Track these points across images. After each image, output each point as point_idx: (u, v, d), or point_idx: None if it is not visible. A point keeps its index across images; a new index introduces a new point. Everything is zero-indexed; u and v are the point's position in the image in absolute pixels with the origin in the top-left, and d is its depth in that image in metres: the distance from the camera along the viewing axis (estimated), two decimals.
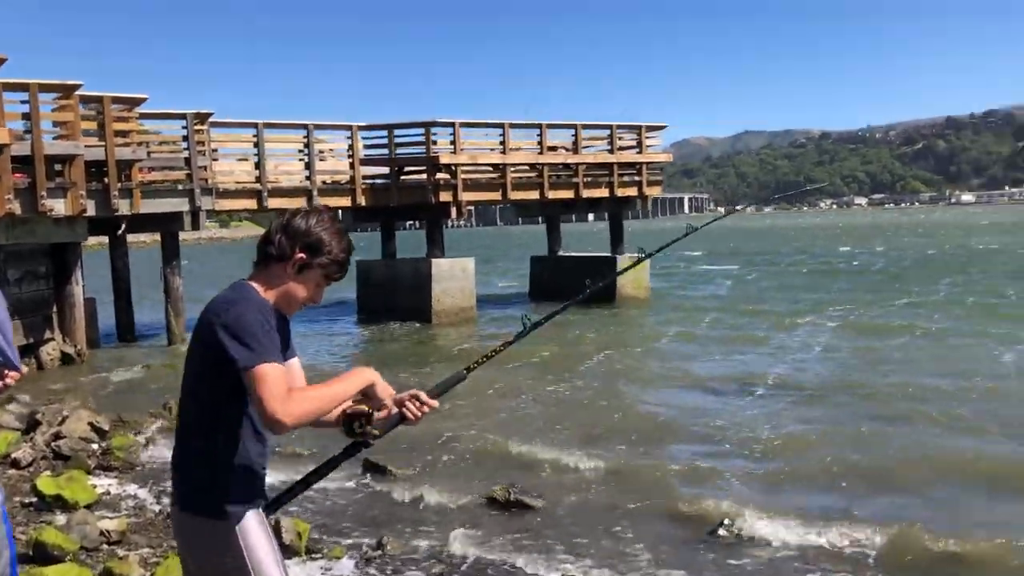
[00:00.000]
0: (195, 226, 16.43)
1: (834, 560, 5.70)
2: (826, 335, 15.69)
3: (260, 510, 2.68)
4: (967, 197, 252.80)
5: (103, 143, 14.26)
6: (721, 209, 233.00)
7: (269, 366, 2.45)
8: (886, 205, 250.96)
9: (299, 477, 2.84)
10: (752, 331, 16.74)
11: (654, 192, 22.98)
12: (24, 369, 2.37)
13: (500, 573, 5.56)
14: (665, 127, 23.00)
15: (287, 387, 2.46)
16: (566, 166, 21.35)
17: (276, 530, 5.76)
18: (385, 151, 19.58)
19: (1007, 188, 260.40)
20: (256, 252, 2.73)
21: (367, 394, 2.68)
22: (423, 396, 2.81)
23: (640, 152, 22.11)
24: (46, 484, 6.63)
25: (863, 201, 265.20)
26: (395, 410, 2.80)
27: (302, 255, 2.66)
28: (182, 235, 17.23)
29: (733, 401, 10.67)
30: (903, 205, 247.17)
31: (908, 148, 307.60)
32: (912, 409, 9.79)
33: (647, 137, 22.21)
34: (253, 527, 2.62)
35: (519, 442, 8.96)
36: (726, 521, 6.33)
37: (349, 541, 6.14)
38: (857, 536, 6.00)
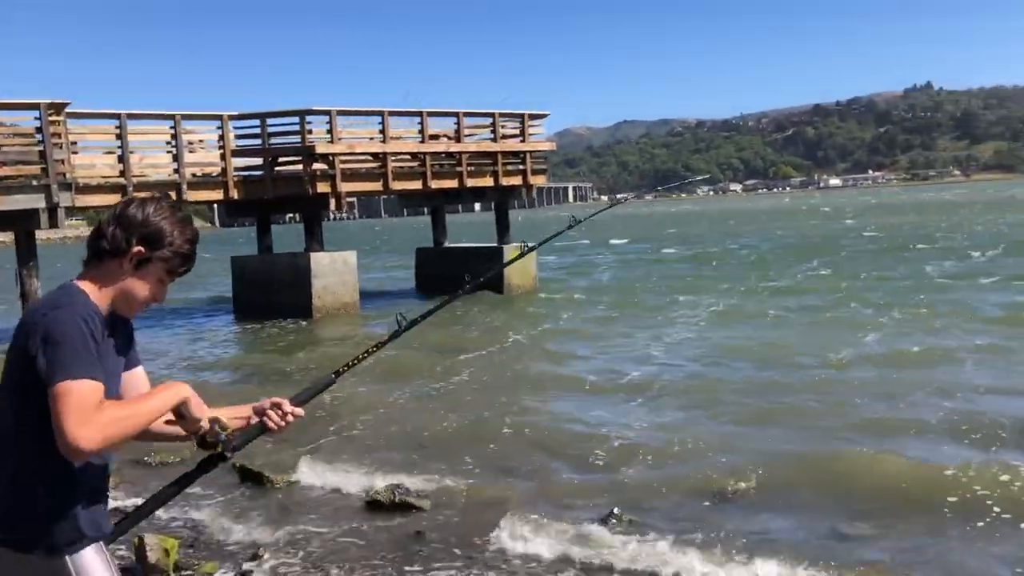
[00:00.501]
0: (53, 224, 15.37)
1: None
2: (697, 328, 15.70)
3: (100, 543, 2.33)
4: (835, 181, 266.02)
5: None
6: (604, 198, 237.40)
7: (76, 383, 2.10)
8: (760, 190, 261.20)
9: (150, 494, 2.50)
10: (627, 323, 16.78)
11: (539, 181, 22.94)
12: None
13: None
14: (548, 115, 22.99)
15: (93, 407, 2.11)
16: (449, 155, 21.05)
17: (139, 548, 5.31)
18: (258, 141, 18.81)
19: (870, 172, 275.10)
20: (86, 248, 2.37)
21: (179, 413, 2.35)
22: (286, 405, 2.56)
23: (524, 141, 22.00)
24: None
25: (738, 187, 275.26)
26: (255, 419, 2.55)
27: (140, 248, 2.33)
28: (43, 234, 16.14)
29: (595, 403, 10.51)
30: (776, 190, 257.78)
31: (779, 135, 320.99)
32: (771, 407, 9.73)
33: (530, 125, 22.13)
34: (91, 563, 2.28)
35: (399, 433, 8.69)
36: (615, 510, 6.22)
37: (223, 555, 5.72)
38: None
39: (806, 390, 9.85)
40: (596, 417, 9.16)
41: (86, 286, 2.32)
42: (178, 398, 2.32)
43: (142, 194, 2.50)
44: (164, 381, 2.50)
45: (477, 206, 41.52)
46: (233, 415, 2.54)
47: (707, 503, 6.48)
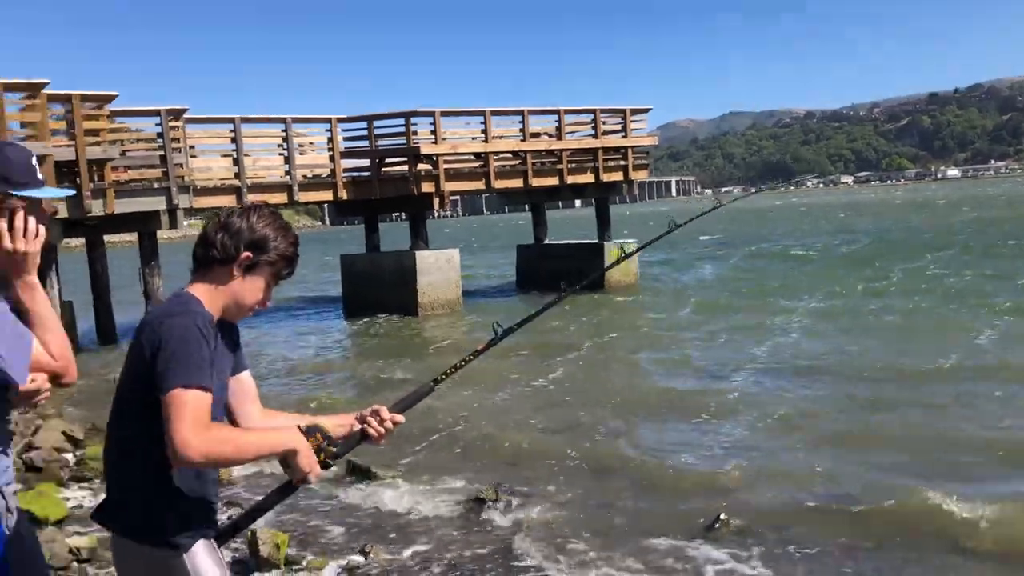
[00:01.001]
0: (173, 225, 16.08)
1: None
2: (809, 318, 15.42)
3: (211, 540, 2.45)
4: (953, 172, 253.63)
5: (73, 143, 13.90)
6: (709, 191, 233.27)
7: (188, 392, 2.21)
8: (872, 182, 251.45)
9: (257, 499, 2.60)
10: (736, 316, 16.51)
11: (640, 176, 22.72)
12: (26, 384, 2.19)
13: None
14: (650, 110, 22.72)
15: (203, 417, 2.22)
16: (550, 152, 21.07)
17: (252, 542, 5.52)
18: (365, 143, 19.27)
19: (992, 162, 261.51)
20: (193, 257, 2.48)
21: (286, 462, 2.42)
22: (384, 412, 2.62)
23: (625, 136, 21.82)
24: None
25: (849, 179, 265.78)
26: (357, 427, 2.62)
27: (248, 253, 2.43)
28: (163, 234, 16.90)
29: (718, 385, 10.47)
30: (889, 182, 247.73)
31: (892, 125, 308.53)
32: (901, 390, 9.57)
33: (632, 120, 21.92)
34: (204, 559, 2.39)
35: (505, 436, 8.75)
36: (722, 516, 6.12)
37: (332, 549, 5.90)
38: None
39: (921, 404, 9.36)
40: (695, 428, 9.03)
41: (199, 293, 2.42)
42: (288, 448, 2.38)
43: (241, 205, 2.60)
44: (293, 417, 2.59)
45: (578, 202, 41.46)
46: (336, 423, 2.62)
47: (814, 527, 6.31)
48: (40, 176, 2.41)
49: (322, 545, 6.02)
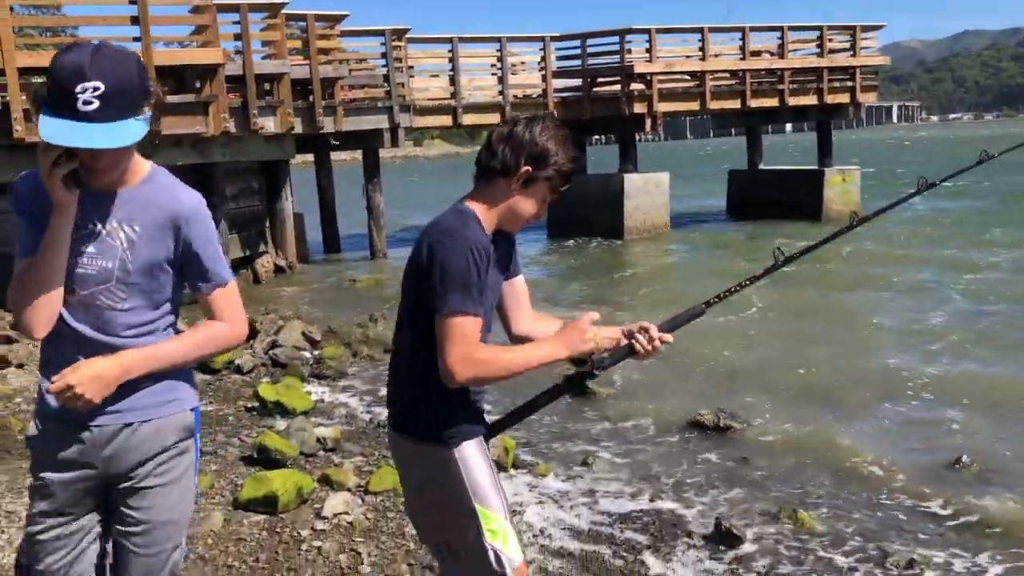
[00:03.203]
0: (394, 143, 16.73)
1: None
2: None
3: (480, 438, 2.54)
4: None
5: (307, 62, 14.63)
6: (935, 118, 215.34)
7: (460, 319, 2.28)
8: None
9: (521, 402, 2.65)
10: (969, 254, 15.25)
11: (868, 99, 21.23)
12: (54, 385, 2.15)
13: (709, 502, 5.28)
14: (883, 27, 21.05)
15: (472, 343, 2.30)
16: (770, 72, 20.04)
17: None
18: (578, 63, 19.08)
19: None
20: (476, 166, 2.51)
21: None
22: (654, 330, 2.56)
23: (854, 55, 20.38)
24: (266, 391, 6.94)
25: None
26: (624, 341, 2.58)
27: (528, 168, 2.43)
28: (383, 154, 17.65)
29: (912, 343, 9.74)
30: None
31: None
32: None
33: (862, 38, 20.41)
34: (472, 453, 2.49)
35: (723, 361, 8.61)
36: (964, 458, 5.74)
37: (555, 459, 6.04)
38: None
39: None
40: (915, 358, 8.51)
41: (477, 206, 2.46)
42: (551, 358, 2.42)
43: (526, 113, 2.58)
44: (573, 318, 2.61)
45: (788, 127, 39.45)
46: (605, 334, 2.59)
47: None
48: (81, 98, 2.01)
49: (545, 453, 6.18)
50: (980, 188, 27.95)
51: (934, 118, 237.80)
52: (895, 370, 8.19)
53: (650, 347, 2.55)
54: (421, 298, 2.36)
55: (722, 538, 4.69)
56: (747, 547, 4.62)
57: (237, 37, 13.35)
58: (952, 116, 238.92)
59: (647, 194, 19.07)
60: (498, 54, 18.26)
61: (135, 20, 11.45)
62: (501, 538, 2.48)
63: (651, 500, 5.32)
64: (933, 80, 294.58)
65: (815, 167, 21.17)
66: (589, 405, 7.31)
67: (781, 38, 19.82)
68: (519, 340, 2.63)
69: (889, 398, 7.36)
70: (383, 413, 6.99)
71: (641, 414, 7.02)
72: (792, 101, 20.22)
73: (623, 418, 6.95)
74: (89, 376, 2.13)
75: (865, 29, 20.60)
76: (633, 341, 2.56)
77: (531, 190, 2.46)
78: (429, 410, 2.46)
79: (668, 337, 2.59)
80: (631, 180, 18.90)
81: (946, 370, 8.19)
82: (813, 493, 5.40)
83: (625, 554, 4.53)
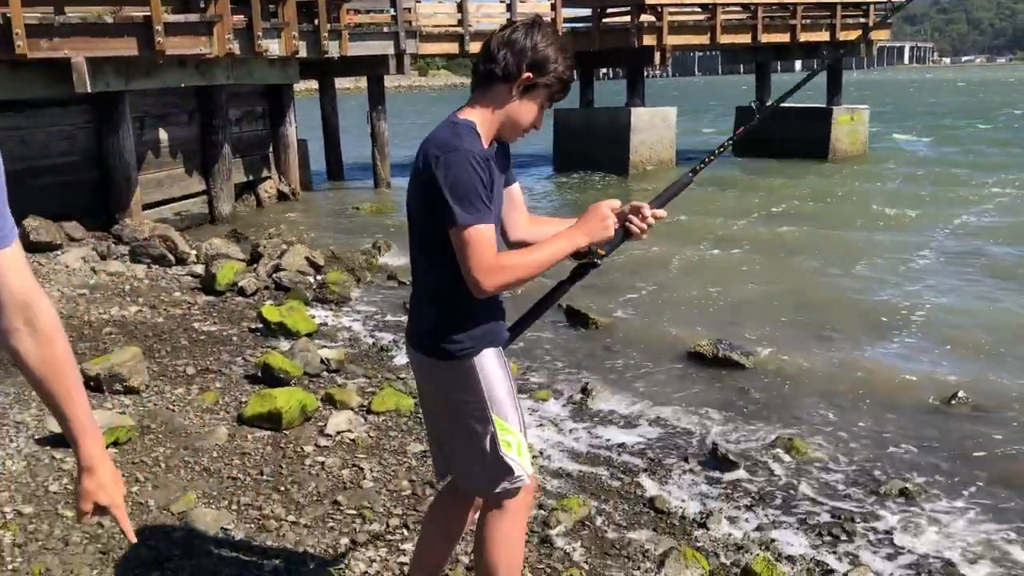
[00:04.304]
0: (400, 70, 16.51)
1: None
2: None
3: (499, 348, 2.56)
4: None
5: None
6: (947, 60, 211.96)
7: (476, 229, 2.29)
8: None
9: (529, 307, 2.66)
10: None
11: (882, 36, 20.97)
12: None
13: (706, 429, 5.36)
14: None
15: (490, 252, 2.31)
16: (783, 6, 19.68)
17: None
18: None
19: None
20: (474, 74, 2.48)
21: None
22: (646, 209, 2.57)
23: None
24: (270, 312, 6.98)
25: None
26: (617, 225, 2.57)
27: (528, 74, 2.39)
28: (388, 81, 17.41)
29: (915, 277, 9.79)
30: None
31: None
32: None
33: None
34: (491, 364, 2.52)
35: (718, 293, 8.66)
36: (960, 393, 5.80)
37: (555, 385, 6.11)
38: None
39: None
40: (917, 292, 8.61)
41: (475, 115, 2.42)
42: (574, 248, 2.46)
43: (525, 19, 2.54)
44: (558, 222, 2.61)
45: (797, 65, 38.79)
46: None
47: None
48: None
49: (545, 378, 6.25)
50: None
51: (946, 60, 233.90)
52: (893, 304, 8.24)
53: (644, 226, 2.56)
54: (431, 218, 2.36)
55: (718, 463, 4.78)
56: (742, 472, 4.71)
57: None
58: (965, 59, 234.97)
59: (654, 128, 18.91)
60: None
61: None
62: (516, 449, 2.53)
63: (649, 426, 5.40)
64: (947, 21, 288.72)
65: (824, 105, 20.93)
66: (589, 335, 7.37)
67: None
68: (517, 245, 2.62)
69: (887, 332, 7.43)
70: (386, 338, 7.08)
71: (640, 344, 7.08)
72: (804, 37, 19.91)
73: (622, 348, 7.01)
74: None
75: None
76: (628, 224, 2.57)
77: (530, 97, 2.43)
78: (452, 328, 2.47)
79: (661, 212, 2.60)
80: (638, 114, 18.73)
81: (942, 303, 8.25)
82: (810, 423, 5.49)
83: (622, 476, 4.62)
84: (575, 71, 2.51)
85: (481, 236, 2.29)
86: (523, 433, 2.57)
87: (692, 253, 10.69)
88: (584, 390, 5.94)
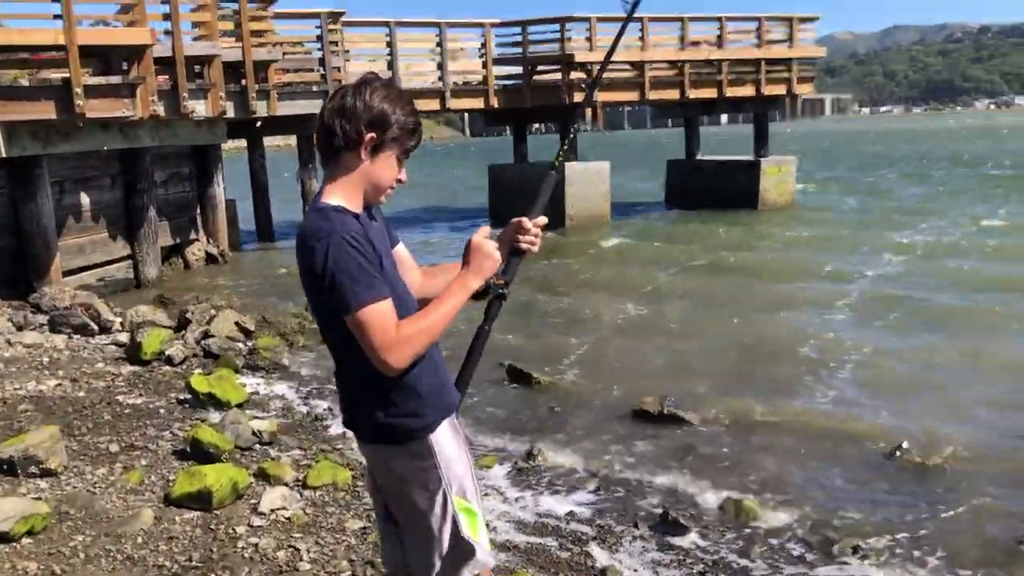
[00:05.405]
0: None
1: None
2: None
3: (453, 416, 2.42)
4: None
5: (240, 44, 14.21)
6: (866, 111, 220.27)
7: (369, 310, 2.16)
8: None
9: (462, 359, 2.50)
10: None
11: (805, 90, 21.53)
12: None
13: (654, 491, 5.23)
14: (818, 18, 21.35)
15: (391, 328, 2.18)
16: (709, 63, 20.16)
17: None
18: (519, 50, 18.94)
19: None
20: (318, 150, 2.36)
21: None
22: (526, 222, 2.50)
23: (791, 46, 20.62)
24: (199, 382, 6.68)
25: None
26: (504, 248, 2.47)
27: (371, 135, 2.27)
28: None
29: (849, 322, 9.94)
30: None
31: None
32: None
33: (799, 30, 20.67)
34: (446, 439, 2.38)
35: (652, 349, 8.61)
36: (904, 444, 5.79)
37: (498, 450, 5.93)
38: None
39: None
40: (846, 338, 8.72)
41: (336, 192, 2.31)
42: (470, 293, 2.35)
43: (350, 82, 2.41)
44: (451, 267, 2.50)
45: (723, 118, 39.88)
46: None
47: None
48: None
49: (488, 443, 6.06)
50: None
51: (866, 111, 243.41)
52: (826, 352, 8.29)
53: (532, 238, 2.49)
54: (329, 308, 2.24)
55: (668, 528, 4.64)
56: (694, 536, 4.58)
57: (166, 17, 12.88)
58: (883, 109, 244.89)
59: (588, 182, 19.05)
60: (438, 39, 18.00)
61: None
62: (475, 530, 2.40)
63: (596, 491, 5.25)
64: (865, 73, 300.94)
65: (752, 158, 21.39)
66: (532, 394, 7.22)
67: (720, 28, 19.94)
68: (421, 304, 2.46)
69: (825, 380, 7.45)
70: (321, 405, 6.83)
71: (584, 404, 6.96)
72: (730, 92, 20.37)
73: (567, 407, 6.88)
74: None
75: (802, 21, 20.86)
76: (516, 244, 2.48)
77: (382, 156, 2.32)
78: (396, 408, 2.32)
79: (542, 219, 2.53)
80: (572, 169, 18.85)
81: (871, 349, 8.35)
82: (759, 479, 5.39)
83: (571, 546, 4.44)
84: (417, 116, 2.37)
85: (375, 315, 2.17)
86: (481, 509, 2.44)
87: (625, 308, 10.63)
88: (530, 454, 5.77)
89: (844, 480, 5.39)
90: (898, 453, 5.73)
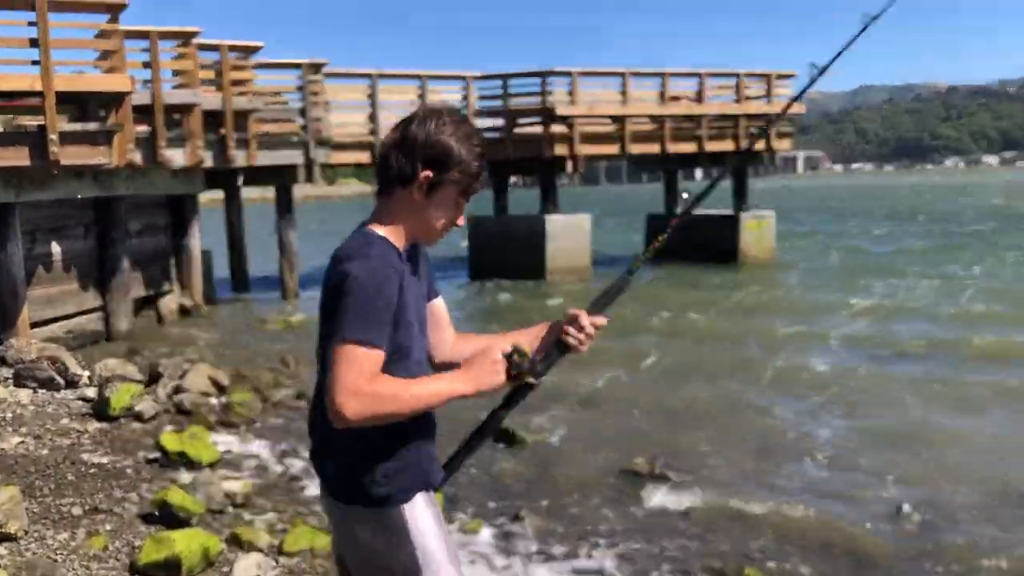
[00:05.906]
0: (309, 179, 16.22)
1: None
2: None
3: (431, 492, 2.17)
4: None
5: (220, 92, 14.10)
6: (839, 167, 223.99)
7: (356, 348, 1.92)
8: (1019, 163, 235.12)
9: (461, 440, 2.28)
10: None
11: (783, 146, 21.76)
12: None
13: (645, 556, 4.98)
14: (796, 75, 21.61)
15: (367, 377, 1.93)
16: (689, 118, 20.31)
17: None
18: (500, 103, 18.99)
19: None
20: (376, 177, 2.15)
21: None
22: (583, 317, 2.23)
23: (770, 102, 20.83)
24: (170, 441, 6.37)
25: (994, 160, 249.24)
26: (551, 338, 2.25)
27: (428, 172, 2.07)
28: (296, 191, 17.09)
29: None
30: None
31: None
32: None
33: (777, 86, 20.93)
34: (422, 511, 2.12)
35: (649, 409, 8.37)
36: (905, 507, 5.58)
37: (485, 514, 5.65)
38: None
39: None
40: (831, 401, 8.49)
41: (382, 224, 2.11)
42: (452, 394, 2.06)
43: (425, 108, 2.19)
44: (489, 338, 2.28)
45: (699, 173, 40.13)
46: (531, 338, 2.27)
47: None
48: None
49: (474, 507, 5.79)
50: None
51: (838, 167, 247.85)
52: (823, 416, 8.09)
53: (583, 336, 2.23)
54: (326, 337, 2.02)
55: None
56: None
57: (146, 65, 12.75)
58: (855, 166, 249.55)
59: (569, 235, 18.99)
60: (420, 91, 18.00)
61: (34, 43, 10.76)
62: None
63: (588, 556, 5.00)
64: (837, 131, 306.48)
65: (731, 212, 21.45)
66: (517, 454, 6.95)
67: (699, 84, 20.14)
68: (443, 368, 2.26)
69: (823, 443, 7.23)
70: (296, 465, 6.52)
71: (573, 463, 6.70)
72: (710, 147, 20.50)
73: (555, 467, 6.62)
74: None
75: (779, 77, 21.12)
76: (565, 337, 2.23)
77: (438, 196, 2.10)
78: (373, 465, 2.07)
79: (601, 320, 2.26)
80: (553, 221, 18.81)
81: (856, 413, 8.16)
82: (756, 547, 5.15)
83: None
84: (484, 159, 2.14)
85: (358, 355, 1.93)
86: None
87: (610, 373, 10.28)
88: (516, 517, 5.52)
89: (845, 545, 5.16)
90: (899, 515, 5.53)
